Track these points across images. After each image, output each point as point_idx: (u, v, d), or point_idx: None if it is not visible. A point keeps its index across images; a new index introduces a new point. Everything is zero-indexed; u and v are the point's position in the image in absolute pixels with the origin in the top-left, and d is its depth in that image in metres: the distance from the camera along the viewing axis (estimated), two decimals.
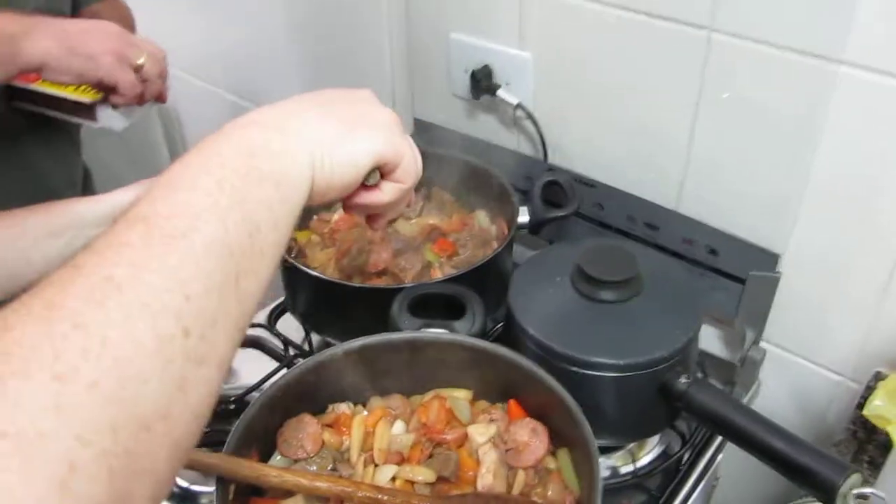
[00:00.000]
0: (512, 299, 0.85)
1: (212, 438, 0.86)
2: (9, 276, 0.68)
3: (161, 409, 0.35)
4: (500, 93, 1.10)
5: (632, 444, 0.90)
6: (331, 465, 0.72)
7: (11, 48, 0.87)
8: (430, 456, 0.72)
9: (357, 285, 0.96)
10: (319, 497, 0.66)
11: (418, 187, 0.67)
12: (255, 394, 0.93)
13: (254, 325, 1.08)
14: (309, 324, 1.04)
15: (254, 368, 1.01)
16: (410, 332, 0.79)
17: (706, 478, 0.90)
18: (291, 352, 1.05)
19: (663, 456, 0.91)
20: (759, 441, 0.72)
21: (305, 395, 0.74)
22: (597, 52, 0.98)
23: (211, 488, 0.68)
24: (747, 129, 0.89)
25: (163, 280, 0.36)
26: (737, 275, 0.95)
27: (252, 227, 0.43)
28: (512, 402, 0.75)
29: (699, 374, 0.97)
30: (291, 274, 0.98)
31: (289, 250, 1.01)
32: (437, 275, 0.98)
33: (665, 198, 1.00)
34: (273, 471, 0.65)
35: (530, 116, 1.08)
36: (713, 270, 0.96)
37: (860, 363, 0.92)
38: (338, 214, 1.09)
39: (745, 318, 0.97)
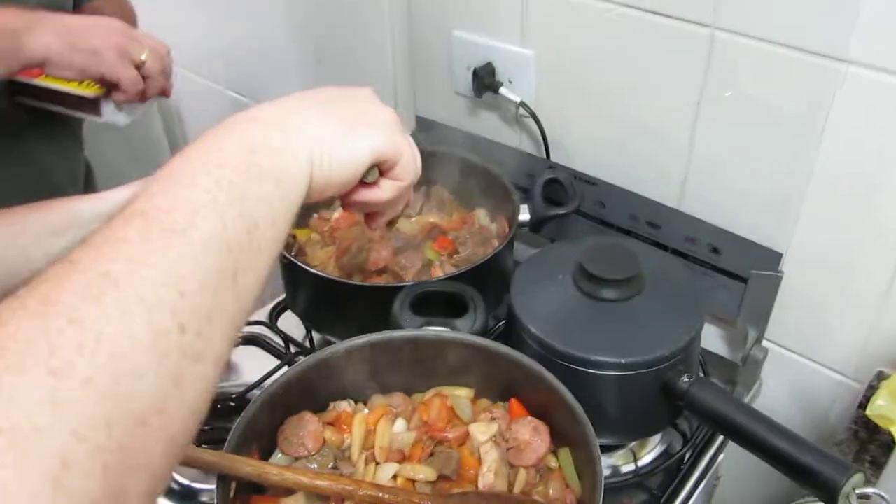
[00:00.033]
0: (513, 297, 0.85)
1: (213, 436, 0.87)
2: (9, 273, 0.67)
3: (156, 404, 0.34)
4: (503, 90, 1.10)
5: (633, 443, 0.90)
6: (332, 464, 0.72)
7: (14, 43, 0.87)
8: (432, 454, 0.72)
9: (357, 283, 0.96)
10: (320, 495, 0.66)
11: (418, 185, 0.67)
12: (256, 391, 0.92)
13: (255, 323, 1.08)
14: (309, 322, 1.04)
15: (255, 366, 1.01)
16: (412, 330, 0.79)
17: (707, 477, 0.90)
18: (292, 349, 1.05)
19: (665, 455, 0.91)
20: (761, 440, 0.72)
21: (306, 393, 0.74)
22: (599, 50, 0.98)
23: (212, 486, 0.68)
24: (750, 127, 0.89)
25: (160, 276, 0.36)
26: (739, 273, 0.94)
27: (250, 223, 0.43)
28: (513, 400, 0.75)
29: (701, 374, 0.97)
30: (291, 272, 0.98)
31: (289, 248, 1.01)
32: (438, 273, 0.98)
33: (667, 196, 1.00)
34: (274, 469, 0.65)
35: (532, 114, 1.08)
36: (715, 269, 0.96)
37: (862, 363, 0.92)
38: (338, 213, 1.09)
39: (747, 317, 0.97)
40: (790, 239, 0.91)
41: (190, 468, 0.68)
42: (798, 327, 0.97)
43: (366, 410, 0.77)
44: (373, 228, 0.69)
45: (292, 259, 0.94)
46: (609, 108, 1.01)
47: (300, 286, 1.00)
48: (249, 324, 1.08)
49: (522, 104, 1.08)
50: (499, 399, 0.77)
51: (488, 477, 0.69)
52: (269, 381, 0.74)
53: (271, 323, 1.09)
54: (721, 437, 0.92)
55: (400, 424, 0.75)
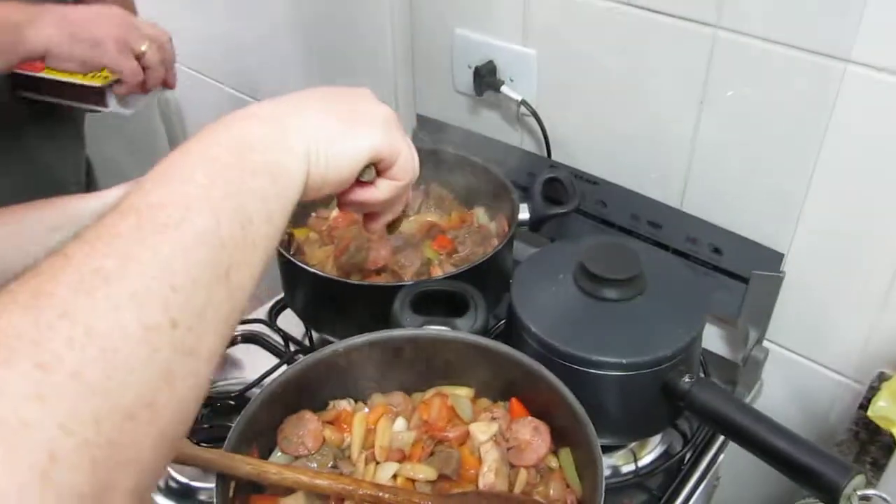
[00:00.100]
0: (514, 296, 0.85)
1: (212, 434, 0.87)
2: (5, 271, 0.67)
3: (146, 399, 0.34)
4: (504, 89, 1.09)
5: (633, 444, 0.90)
6: (331, 463, 0.72)
7: (15, 36, 0.87)
8: (432, 454, 0.71)
9: (356, 283, 0.96)
10: (320, 495, 0.66)
11: (416, 184, 0.67)
12: (256, 390, 0.92)
13: (254, 321, 1.08)
14: (308, 321, 1.04)
15: (254, 364, 1.01)
16: (412, 329, 0.79)
17: (708, 478, 0.90)
18: (292, 348, 1.05)
19: (665, 455, 0.91)
20: (762, 441, 0.71)
21: (306, 392, 0.74)
22: (601, 49, 0.97)
23: (211, 485, 0.68)
24: (752, 127, 0.88)
25: (151, 270, 0.36)
26: (740, 274, 0.94)
27: (245, 218, 0.43)
28: (514, 400, 0.75)
29: (702, 374, 0.97)
30: (290, 271, 0.98)
31: (287, 247, 1.00)
32: (437, 272, 0.97)
33: (669, 196, 0.99)
34: (273, 468, 0.65)
35: (533, 113, 1.08)
36: (716, 269, 0.96)
37: (863, 364, 0.91)
38: (336, 212, 1.09)
39: (748, 318, 0.96)
40: (792, 239, 0.91)
41: (189, 467, 0.68)
42: (799, 328, 0.96)
43: (366, 409, 0.76)
44: (370, 230, 0.69)
45: (290, 258, 0.94)
46: (611, 107, 1.01)
47: (298, 285, 1.00)
48: (249, 322, 1.08)
49: (524, 103, 1.08)
50: (499, 399, 0.77)
51: (489, 477, 0.69)
52: (268, 380, 0.74)
53: (271, 321, 1.09)
54: (721, 438, 0.92)
55: (400, 424, 0.75)
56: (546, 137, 1.09)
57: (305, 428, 0.72)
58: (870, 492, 0.66)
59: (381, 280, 0.98)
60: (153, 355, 0.35)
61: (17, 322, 0.32)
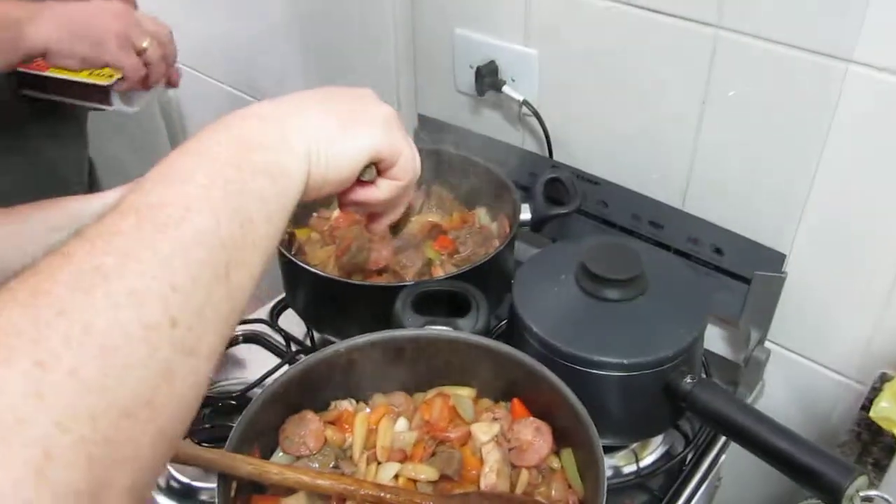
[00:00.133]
0: (516, 297, 0.85)
1: (214, 434, 0.87)
2: (4, 270, 0.67)
3: (144, 397, 0.34)
4: (505, 89, 1.09)
5: (635, 444, 0.89)
6: (333, 463, 0.71)
7: (15, 34, 0.87)
8: (433, 454, 0.71)
9: (358, 283, 0.96)
10: (321, 495, 0.65)
11: (417, 184, 0.67)
12: (257, 390, 0.92)
13: (256, 321, 1.08)
14: (310, 321, 1.03)
15: (256, 364, 1.01)
16: (414, 329, 0.79)
17: (709, 478, 0.90)
18: (293, 348, 1.05)
19: (666, 456, 0.90)
20: (764, 442, 0.71)
21: (308, 392, 0.74)
22: (603, 49, 0.97)
23: (212, 485, 0.67)
24: (754, 127, 0.88)
25: (151, 269, 0.36)
26: (742, 274, 0.94)
27: (245, 218, 0.43)
28: (515, 400, 0.75)
29: (703, 374, 0.96)
30: (291, 271, 0.98)
31: (288, 247, 1.00)
32: (439, 272, 0.97)
33: (670, 196, 0.99)
34: (275, 468, 0.65)
35: (535, 113, 1.08)
36: (718, 270, 0.96)
37: (865, 364, 0.91)
38: (338, 212, 1.09)
39: (749, 318, 0.96)
40: (794, 240, 0.91)
41: (190, 467, 0.68)
42: (801, 328, 0.96)
43: (367, 410, 0.76)
44: (373, 231, 0.68)
45: (292, 258, 0.94)
46: (612, 107, 1.01)
47: (300, 285, 1.00)
48: (250, 322, 1.08)
49: (525, 103, 1.08)
50: (501, 399, 0.77)
51: (490, 477, 0.69)
52: (270, 380, 0.74)
53: (272, 321, 1.09)
54: (723, 439, 0.92)
55: (401, 424, 0.75)
56: (547, 137, 1.09)
57: (307, 428, 0.72)
58: (872, 493, 0.66)
59: (383, 280, 0.98)
60: (152, 354, 0.35)
61: (16, 320, 0.32)
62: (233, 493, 0.64)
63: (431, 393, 0.78)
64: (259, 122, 0.49)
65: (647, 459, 0.90)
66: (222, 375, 1.00)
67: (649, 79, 0.95)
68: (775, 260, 0.91)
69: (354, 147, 0.54)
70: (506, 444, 0.72)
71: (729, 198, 0.95)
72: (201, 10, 1.55)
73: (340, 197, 0.60)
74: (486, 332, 0.81)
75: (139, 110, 1.08)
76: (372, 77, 1.27)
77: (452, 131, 1.19)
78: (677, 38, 0.89)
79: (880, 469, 0.89)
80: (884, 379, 0.86)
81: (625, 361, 0.77)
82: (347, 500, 0.65)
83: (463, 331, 0.79)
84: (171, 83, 1.05)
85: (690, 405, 0.77)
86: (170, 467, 0.84)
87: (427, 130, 1.23)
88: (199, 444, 0.69)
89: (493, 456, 0.70)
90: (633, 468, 0.88)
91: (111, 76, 1.00)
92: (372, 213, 0.66)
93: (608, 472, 0.87)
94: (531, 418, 0.73)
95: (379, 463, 0.71)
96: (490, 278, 0.93)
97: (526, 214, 1.02)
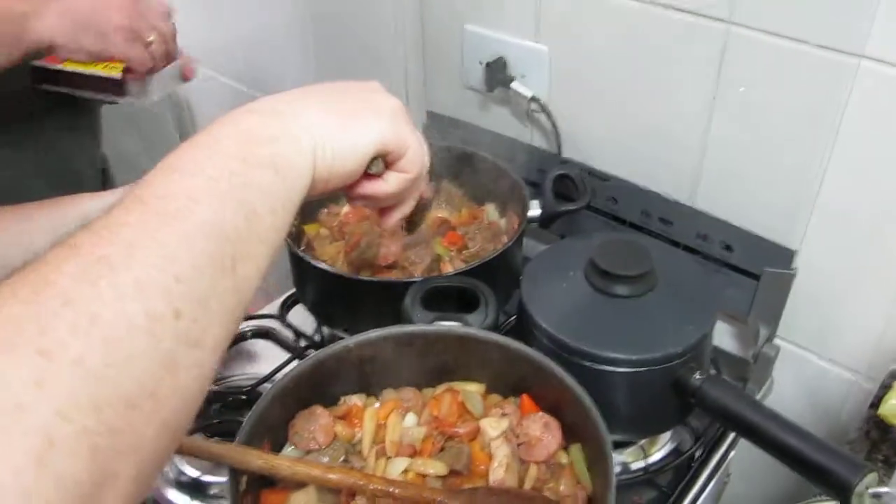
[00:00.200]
0: (525, 293, 0.85)
1: (224, 429, 0.87)
2: (7, 266, 0.68)
3: (148, 388, 0.35)
4: (515, 85, 1.09)
5: (643, 440, 0.89)
6: (342, 457, 0.72)
7: (19, 27, 0.86)
8: (442, 449, 0.72)
9: (367, 279, 0.96)
10: (331, 489, 0.66)
11: (427, 179, 0.67)
12: (267, 385, 0.93)
13: (265, 316, 1.09)
14: (319, 316, 1.04)
15: (266, 359, 1.01)
16: (423, 324, 0.79)
17: (718, 475, 0.90)
18: (303, 343, 1.05)
19: (675, 452, 0.90)
20: (773, 438, 0.71)
21: (317, 387, 0.74)
22: (613, 45, 0.97)
23: (223, 479, 0.68)
24: (764, 123, 0.88)
25: (155, 260, 0.37)
26: (751, 271, 0.94)
27: (249, 211, 0.43)
28: (524, 396, 0.75)
29: (712, 371, 0.96)
30: (301, 267, 0.98)
31: (298, 243, 1.00)
32: (448, 268, 0.98)
33: (680, 192, 0.99)
34: (285, 462, 0.65)
35: (544, 109, 1.08)
36: (727, 266, 0.96)
37: (875, 362, 0.91)
38: (347, 207, 1.09)
39: (759, 315, 0.96)
40: (803, 236, 0.91)
41: (201, 461, 0.69)
42: (810, 325, 0.96)
43: (377, 405, 0.77)
44: (384, 226, 0.68)
45: (301, 254, 0.94)
46: (622, 104, 1.01)
47: (309, 281, 1.00)
48: (260, 317, 1.08)
49: (534, 99, 1.08)
50: (510, 394, 0.77)
51: (499, 472, 0.69)
52: (280, 375, 0.74)
53: (282, 316, 1.09)
54: (732, 435, 0.91)
55: (410, 419, 0.75)
56: (557, 134, 1.08)
57: (317, 423, 0.72)
58: (882, 489, 0.66)
59: (392, 276, 0.98)
60: (156, 345, 0.35)
61: (21, 309, 0.32)
62: (243, 487, 0.65)
63: (440, 388, 0.78)
64: (264, 116, 0.49)
65: (656, 455, 0.90)
66: (232, 370, 1.00)
67: (659, 75, 0.95)
68: (785, 256, 0.91)
69: (360, 139, 0.54)
70: (514, 440, 0.72)
71: (738, 194, 0.94)
72: (211, 7, 1.56)
73: (348, 191, 0.60)
74: (495, 328, 0.81)
75: (154, 102, 1.08)
76: (381, 73, 1.27)
77: (462, 127, 1.19)
78: (687, 34, 0.89)
79: (889, 466, 0.89)
80: (894, 376, 0.86)
81: (634, 357, 0.77)
82: (357, 494, 0.65)
83: (472, 326, 0.79)
84: (186, 77, 1.05)
85: (699, 401, 0.77)
86: (180, 461, 0.85)
87: (436, 126, 1.23)
88: (209, 438, 0.69)
89: (501, 451, 0.70)
90: (641, 464, 0.88)
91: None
92: (382, 208, 0.66)
93: (617, 468, 0.87)
94: (540, 413, 0.73)
95: (388, 458, 0.71)
96: (499, 274, 0.93)
97: (535, 211, 1.02)
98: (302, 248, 1.01)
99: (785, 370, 1.00)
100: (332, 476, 0.64)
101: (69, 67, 1.01)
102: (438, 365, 0.77)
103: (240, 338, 1.05)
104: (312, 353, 0.74)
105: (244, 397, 0.93)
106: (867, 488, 0.65)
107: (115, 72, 1.01)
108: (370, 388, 0.78)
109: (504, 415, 0.74)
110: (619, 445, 0.88)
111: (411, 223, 0.75)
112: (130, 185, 0.70)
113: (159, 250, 0.37)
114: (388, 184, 0.60)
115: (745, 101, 0.88)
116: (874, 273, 0.87)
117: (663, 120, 0.97)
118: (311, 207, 1.08)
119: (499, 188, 1.08)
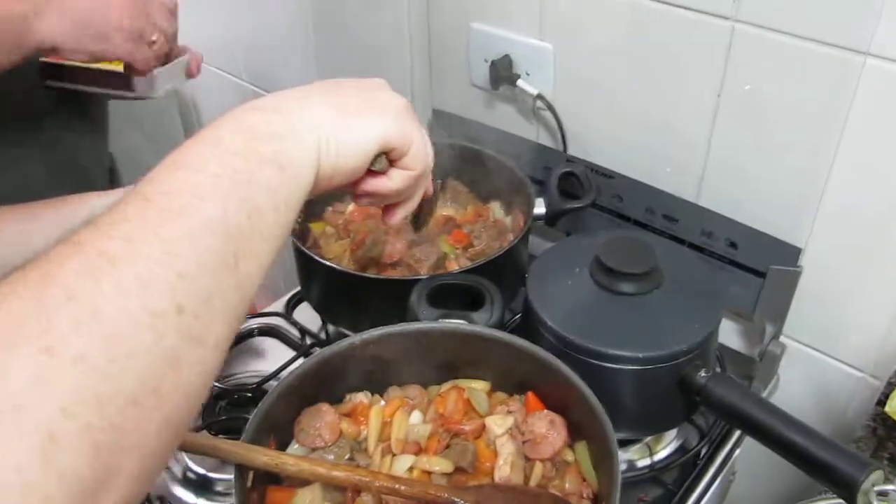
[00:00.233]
0: (530, 290, 0.85)
1: (230, 426, 0.88)
2: (8, 265, 0.68)
3: (151, 385, 0.35)
4: (520, 83, 1.09)
5: (649, 438, 0.89)
6: (348, 455, 0.72)
7: (21, 28, 0.85)
8: (448, 446, 0.72)
9: (372, 276, 0.96)
10: (337, 486, 0.66)
11: (431, 178, 0.67)
12: (273, 382, 0.93)
13: (271, 314, 1.09)
14: (325, 314, 1.04)
15: (271, 357, 1.02)
16: (429, 322, 0.79)
17: (723, 472, 0.90)
18: (308, 341, 1.05)
19: (681, 450, 0.90)
20: (779, 436, 0.71)
21: (323, 385, 0.74)
22: (617, 43, 0.97)
23: (229, 476, 0.68)
24: (769, 121, 0.88)
25: (158, 255, 0.37)
26: (757, 268, 0.94)
27: (252, 208, 0.43)
28: (530, 393, 0.75)
29: (718, 369, 0.96)
30: (306, 265, 0.98)
31: (303, 241, 1.01)
32: (453, 266, 0.98)
33: (685, 190, 0.99)
34: (291, 459, 0.65)
35: (550, 107, 1.08)
36: (733, 264, 0.96)
37: (881, 359, 0.91)
38: (352, 205, 1.09)
39: (764, 313, 0.96)
40: (809, 234, 0.90)
41: (207, 458, 0.69)
42: (816, 323, 0.96)
43: (382, 402, 0.77)
44: (389, 224, 0.68)
45: (307, 251, 0.94)
46: (627, 102, 1.00)
47: (315, 279, 1.00)
48: (266, 315, 1.08)
49: (540, 97, 1.08)
50: (515, 392, 0.77)
51: (504, 470, 0.69)
52: (285, 372, 0.74)
53: (287, 314, 1.09)
54: (737, 433, 0.91)
55: (416, 416, 0.75)
56: (562, 131, 1.08)
57: (322, 420, 0.73)
58: (888, 487, 0.66)
59: (398, 274, 0.98)
60: (159, 341, 0.35)
61: (23, 305, 0.33)
62: (249, 484, 0.65)
63: (446, 386, 0.78)
64: (269, 113, 0.49)
65: (662, 453, 0.90)
66: (238, 368, 1.01)
67: (664, 72, 0.94)
68: (791, 254, 0.91)
69: (364, 135, 0.54)
70: (520, 437, 0.72)
71: (744, 191, 0.94)
72: (217, 5, 1.56)
73: (352, 188, 0.60)
74: (501, 326, 0.81)
75: (161, 96, 1.08)
76: (387, 71, 1.27)
77: (467, 125, 1.19)
78: (693, 32, 0.89)
79: None
80: None
81: (639, 355, 0.77)
82: (362, 491, 0.65)
83: (477, 324, 0.79)
84: (191, 74, 1.05)
85: (705, 399, 0.77)
86: (187, 458, 0.85)
87: (442, 124, 1.23)
88: (215, 435, 0.70)
89: (507, 448, 0.70)
90: (647, 462, 0.88)
91: None
92: (387, 205, 0.66)
93: (622, 466, 0.87)
94: (545, 411, 0.73)
95: (394, 455, 0.72)
96: (504, 272, 0.93)
97: (540, 208, 1.02)
98: (308, 245, 1.01)
99: (791, 368, 1.00)
100: (338, 473, 0.64)
101: (75, 63, 1.01)
102: (444, 362, 0.78)
103: (246, 335, 1.06)
104: (318, 351, 0.75)
105: (250, 395, 0.94)
106: (873, 486, 0.65)
107: (119, 67, 1.01)
108: (376, 386, 0.78)
109: (509, 412, 0.74)
110: (624, 443, 0.88)
111: (418, 222, 0.75)
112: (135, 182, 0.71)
113: (162, 246, 0.37)
114: (391, 181, 0.60)
115: (750, 98, 0.88)
116: (880, 270, 0.87)
117: (668, 117, 0.97)
118: (317, 205, 1.08)
119: (504, 186, 1.08)
